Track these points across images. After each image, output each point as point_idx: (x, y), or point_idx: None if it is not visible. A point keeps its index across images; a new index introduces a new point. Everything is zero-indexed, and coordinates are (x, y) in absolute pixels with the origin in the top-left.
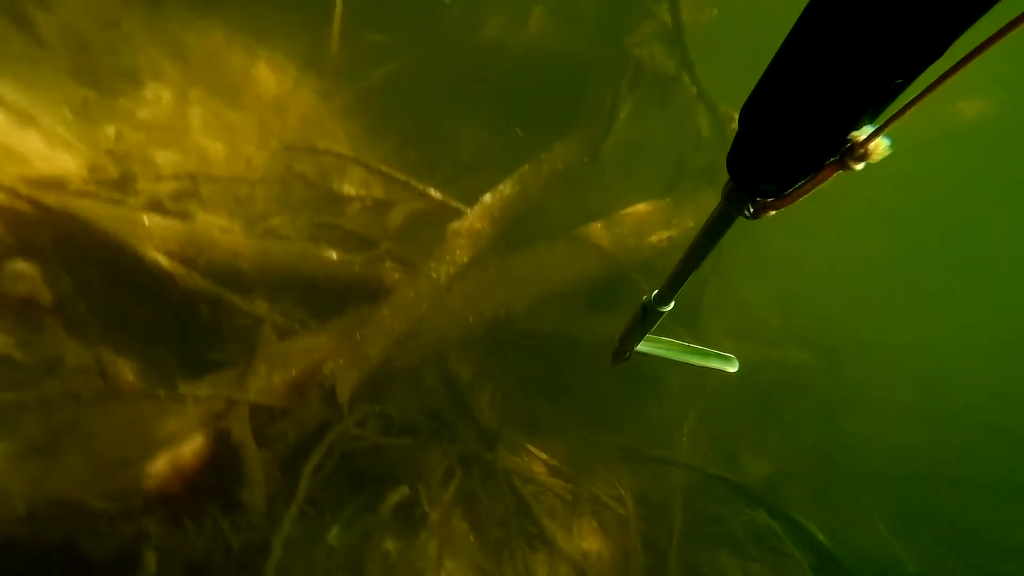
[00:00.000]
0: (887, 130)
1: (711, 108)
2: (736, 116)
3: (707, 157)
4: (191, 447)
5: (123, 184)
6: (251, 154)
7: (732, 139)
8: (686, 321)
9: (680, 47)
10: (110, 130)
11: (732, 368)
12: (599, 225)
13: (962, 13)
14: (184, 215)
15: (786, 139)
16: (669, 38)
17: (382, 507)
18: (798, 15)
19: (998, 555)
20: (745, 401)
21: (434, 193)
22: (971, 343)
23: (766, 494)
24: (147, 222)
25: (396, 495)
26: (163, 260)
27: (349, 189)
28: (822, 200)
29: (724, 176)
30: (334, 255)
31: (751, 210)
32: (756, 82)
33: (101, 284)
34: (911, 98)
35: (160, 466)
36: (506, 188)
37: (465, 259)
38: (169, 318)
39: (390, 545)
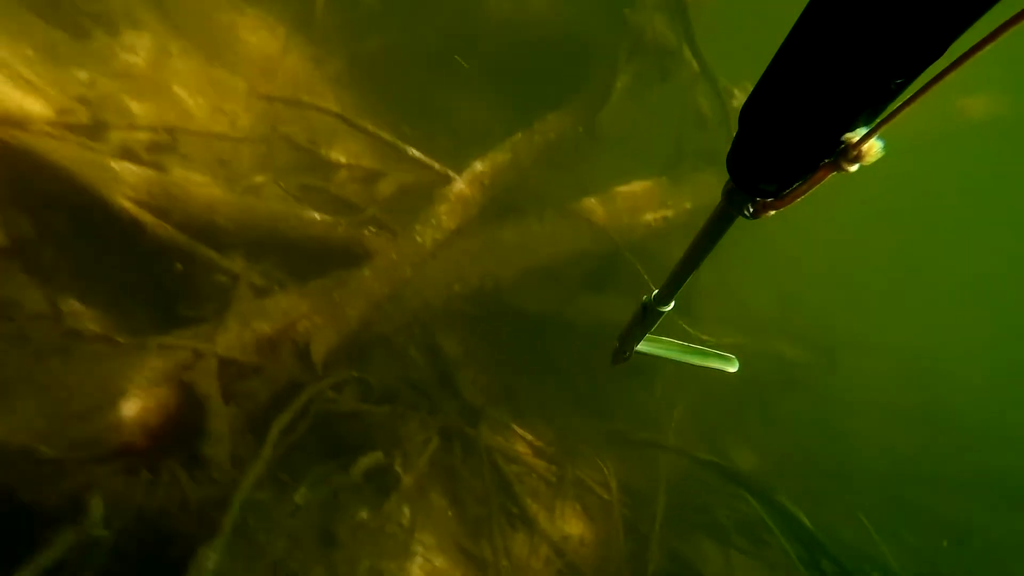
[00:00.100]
0: (880, 132)
1: (713, 85)
2: (736, 92)
3: (707, 138)
4: (154, 399)
5: (94, 131)
6: (235, 113)
7: (733, 118)
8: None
9: (682, 19)
10: (82, 75)
11: (732, 368)
12: (593, 200)
13: (962, 13)
14: (159, 167)
15: (785, 139)
16: (671, 9)
17: (354, 470)
18: None
19: (983, 554)
20: (736, 393)
21: (421, 156)
22: (966, 345)
23: (753, 482)
24: (116, 168)
25: (369, 460)
26: (133, 208)
27: (338, 156)
28: (821, 199)
29: (724, 158)
30: (317, 217)
31: (751, 210)
32: (756, 81)
33: (66, 229)
34: (903, 100)
35: (120, 417)
36: (497, 156)
37: (452, 225)
38: (139, 270)
39: (361, 510)
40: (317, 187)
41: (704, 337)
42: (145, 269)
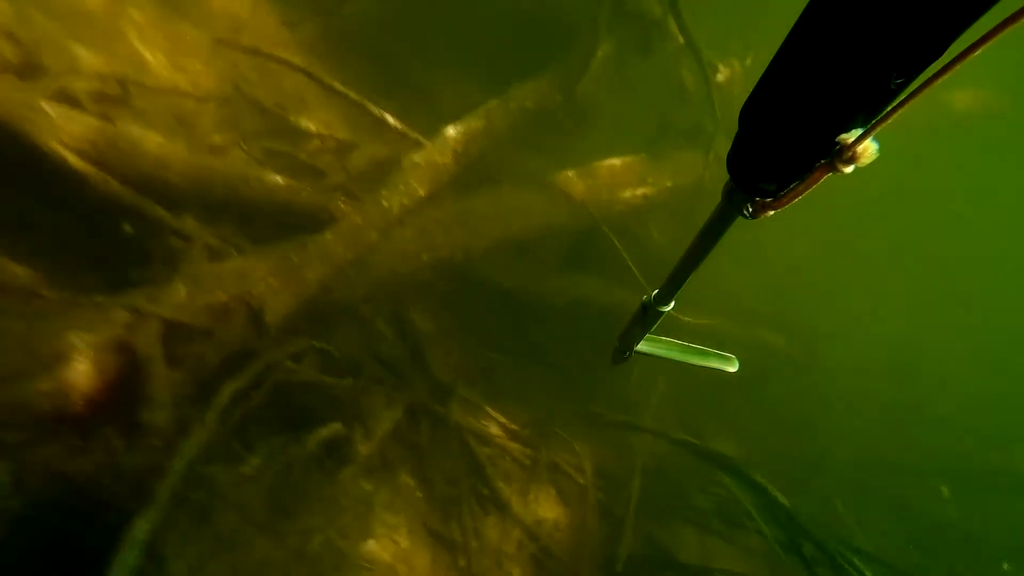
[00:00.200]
0: (875, 134)
1: (697, 59)
2: (720, 67)
3: (690, 115)
4: (91, 362)
5: (26, 72)
6: (198, 72)
7: (717, 94)
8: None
9: None
10: (7, 8)
11: (732, 368)
12: (571, 173)
13: (963, 12)
14: (105, 118)
15: (783, 139)
16: None
17: (310, 441)
18: None
19: (956, 543)
20: (716, 378)
21: (391, 120)
22: (945, 341)
23: (730, 463)
24: (51, 112)
25: (328, 431)
26: (72, 159)
27: (308, 124)
28: (810, 193)
29: (706, 136)
30: (281, 181)
31: (750, 210)
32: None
33: None
34: (898, 101)
35: (53, 381)
36: (470, 122)
37: (422, 192)
38: (81, 226)
39: (321, 486)
40: (283, 152)
41: (684, 319)
42: (87, 226)
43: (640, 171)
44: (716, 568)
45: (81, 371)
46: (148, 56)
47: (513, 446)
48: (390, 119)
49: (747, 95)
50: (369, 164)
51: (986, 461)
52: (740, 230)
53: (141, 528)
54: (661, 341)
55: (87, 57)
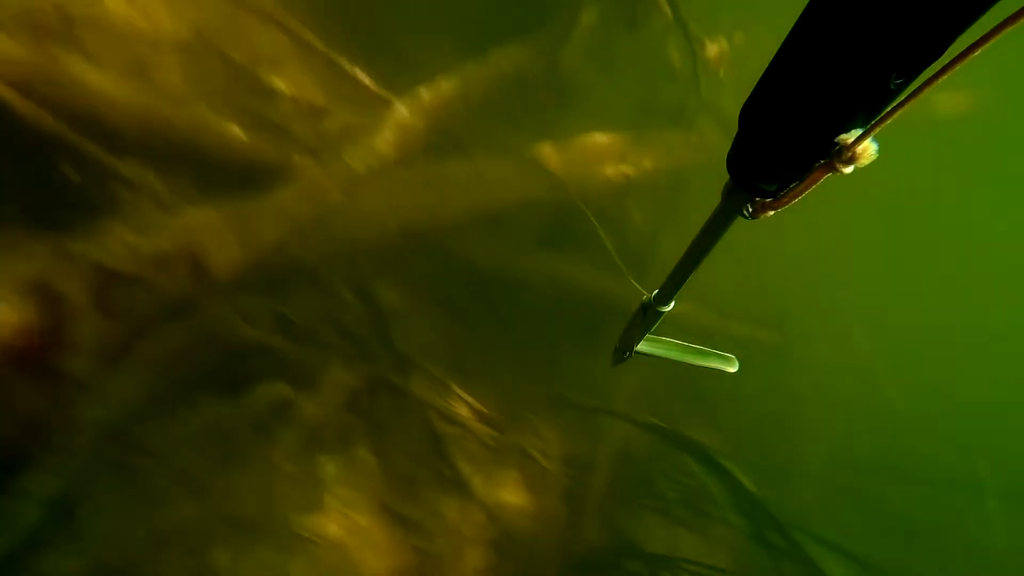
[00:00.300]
0: (874, 134)
1: (685, 35)
2: (708, 44)
3: (676, 95)
4: (8, 304)
5: None
6: (160, 15)
7: (704, 74)
8: (635, 267)
9: None
10: None
11: (732, 368)
12: (549, 147)
13: (962, 12)
14: (43, 51)
15: (784, 138)
16: None
17: (253, 401)
18: None
19: (928, 544)
20: (693, 369)
21: (363, 77)
22: (918, 347)
23: (698, 448)
24: None
25: (272, 392)
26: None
27: (281, 85)
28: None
29: (692, 119)
30: (243, 135)
31: (750, 210)
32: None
33: None
34: (898, 102)
35: None
36: (445, 84)
37: (390, 154)
38: (10, 166)
39: (271, 457)
40: (249, 109)
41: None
42: (18, 166)
43: (621, 149)
44: (680, 558)
45: None
46: None
47: (479, 427)
48: (360, 75)
49: (733, 74)
50: (342, 130)
51: (950, 462)
52: (730, 231)
53: (49, 484)
54: (661, 341)
55: None
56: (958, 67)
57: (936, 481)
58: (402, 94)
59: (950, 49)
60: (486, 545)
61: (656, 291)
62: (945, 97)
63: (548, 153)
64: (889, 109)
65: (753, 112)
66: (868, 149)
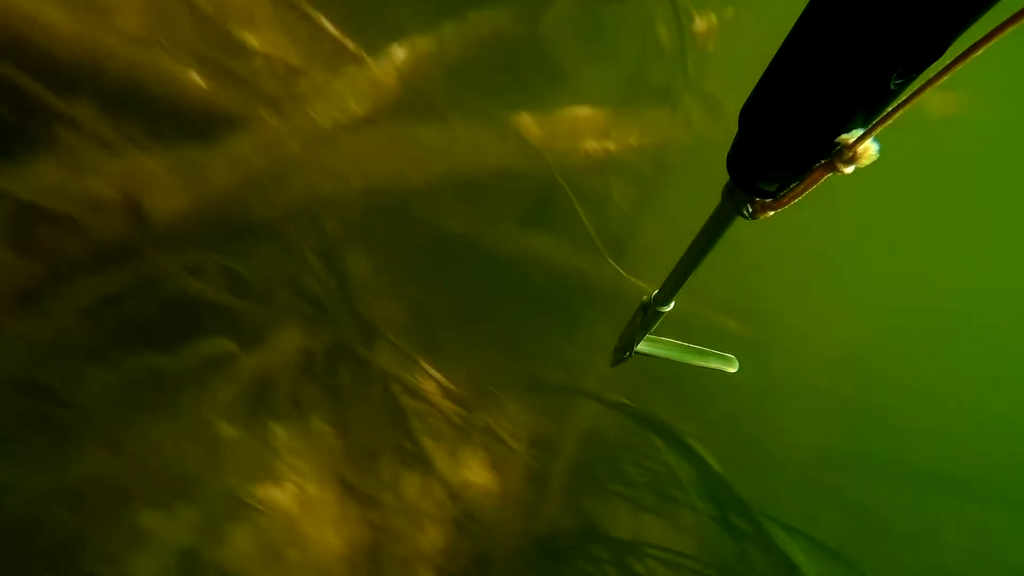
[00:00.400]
0: (875, 134)
1: (674, 7)
2: (697, 18)
3: (663, 72)
4: None
5: None
6: None
7: (692, 50)
8: (613, 246)
9: None
10: None
11: (732, 369)
12: (528, 117)
13: (962, 12)
14: None
15: (782, 139)
16: None
17: (190, 355)
18: None
19: (902, 542)
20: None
21: (334, 31)
22: (899, 345)
23: (667, 430)
24: None
25: (212, 347)
26: None
27: (253, 41)
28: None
29: (678, 96)
30: (202, 83)
31: (750, 210)
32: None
33: None
34: (899, 102)
35: None
36: (420, 43)
37: (359, 111)
38: None
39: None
40: (214, 60)
41: (641, 283)
42: None
43: (603, 124)
44: (645, 543)
45: None
46: None
47: (446, 404)
48: (332, 29)
49: (722, 51)
50: (308, 83)
51: (930, 463)
52: (706, 216)
53: None
54: (661, 341)
55: None
56: (959, 67)
57: (914, 481)
58: (375, 51)
59: (951, 49)
60: (446, 524)
61: (656, 291)
62: (935, 99)
63: (527, 123)
64: (891, 109)
65: (753, 112)
66: (869, 149)
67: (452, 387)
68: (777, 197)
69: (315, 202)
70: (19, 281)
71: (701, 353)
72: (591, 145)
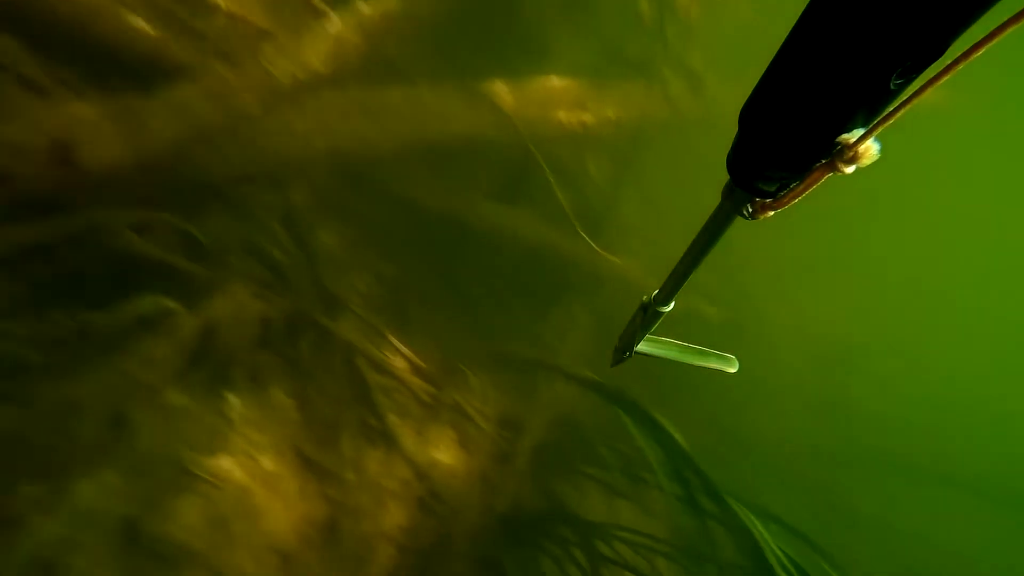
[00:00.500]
0: (876, 134)
1: None
2: None
3: (642, 45)
4: None
5: None
6: None
7: (672, 22)
8: (589, 223)
9: None
10: None
11: (732, 369)
12: (501, 84)
13: (963, 11)
14: None
15: (782, 138)
16: None
17: (122, 311)
18: None
19: (872, 531)
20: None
21: None
22: (876, 339)
23: (636, 407)
24: None
25: (149, 304)
26: None
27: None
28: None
29: (657, 70)
30: (149, 30)
31: (750, 210)
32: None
33: None
34: (900, 102)
35: None
36: (388, 0)
37: (321, 68)
38: None
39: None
40: (168, 10)
41: (616, 259)
42: None
43: (580, 96)
44: (612, 524)
45: None
46: None
47: (414, 380)
48: None
49: (703, 23)
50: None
51: (903, 454)
52: (684, 200)
53: None
54: (661, 341)
55: None
56: (959, 68)
57: (883, 469)
58: (338, 5)
59: (951, 49)
60: (410, 502)
61: (656, 291)
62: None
63: (500, 91)
64: (891, 109)
65: (753, 112)
66: (870, 149)
67: (421, 363)
68: (777, 197)
69: (277, 165)
70: None
71: (701, 353)
72: (566, 117)
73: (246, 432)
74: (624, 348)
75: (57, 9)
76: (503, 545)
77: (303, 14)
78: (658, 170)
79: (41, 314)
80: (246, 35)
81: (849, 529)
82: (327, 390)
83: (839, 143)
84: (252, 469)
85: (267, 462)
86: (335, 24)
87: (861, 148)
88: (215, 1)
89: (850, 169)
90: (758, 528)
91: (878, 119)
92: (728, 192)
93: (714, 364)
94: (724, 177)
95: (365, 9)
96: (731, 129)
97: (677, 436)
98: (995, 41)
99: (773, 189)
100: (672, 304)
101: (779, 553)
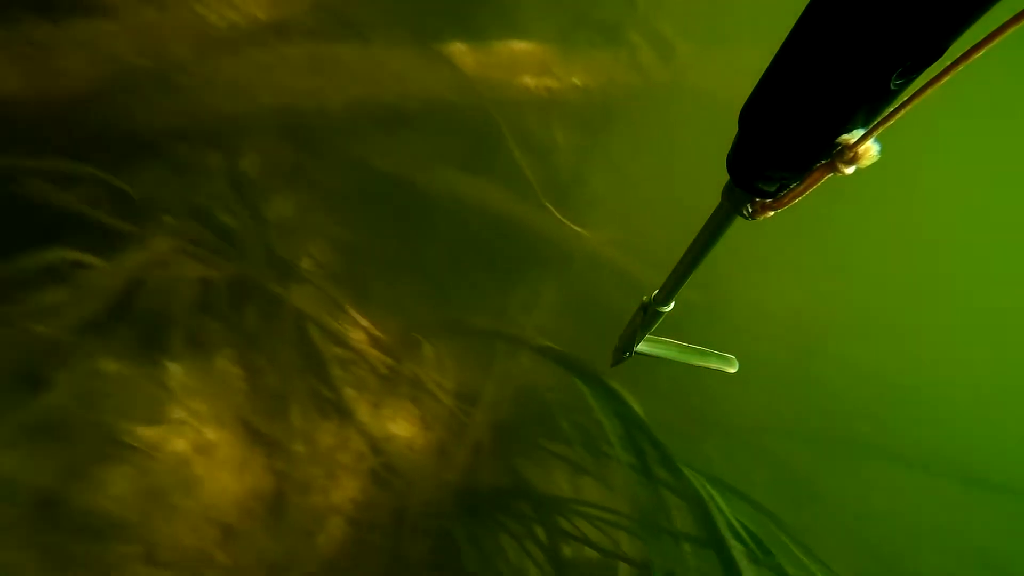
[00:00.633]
0: (877, 135)
1: None
2: None
3: (611, 9)
4: None
5: None
6: None
7: None
8: (555, 193)
9: None
10: None
11: (732, 368)
12: (461, 45)
13: (963, 11)
14: None
15: (782, 138)
16: None
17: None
18: None
19: (831, 508)
20: (611, 315)
21: None
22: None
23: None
24: None
25: (54, 256)
26: None
27: None
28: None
29: (626, 36)
30: None
31: (749, 210)
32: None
33: None
34: (900, 103)
35: None
36: None
37: (261, 15)
38: None
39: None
40: None
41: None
42: None
43: (545, 60)
44: (572, 499)
45: None
46: None
47: (372, 352)
48: None
49: None
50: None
51: (866, 434)
52: (662, 185)
53: None
54: (661, 341)
55: None
56: (959, 68)
57: (846, 450)
58: None
59: (951, 49)
60: (364, 476)
61: (656, 291)
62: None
63: (460, 52)
64: (892, 109)
65: (753, 112)
66: (871, 150)
67: (379, 334)
68: (777, 197)
69: (220, 120)
70: None
71: (701, 353)
72: (530, 82)
73: (187, 401)
74: (624, 348)
75: None
76: (459, 518)
77: None
78: (627, 139)
79: None
80: None
81: (811, 503)
82: (277, 360)
83: (839, 143)
84: (193, 439)
85: (209, 432)
86: None
87: (861, 148)
88: None
89: (850, 170)
90: (713, 497)
91: (878, 119)
92: (728, 192)
93: (714, 364)
94: (694, 147)
95: None
96: (701, 97)
97: (636, 407)
98: (995, 41)
99: (773, 189)
100: (672, 304)
101: (735, 523)
